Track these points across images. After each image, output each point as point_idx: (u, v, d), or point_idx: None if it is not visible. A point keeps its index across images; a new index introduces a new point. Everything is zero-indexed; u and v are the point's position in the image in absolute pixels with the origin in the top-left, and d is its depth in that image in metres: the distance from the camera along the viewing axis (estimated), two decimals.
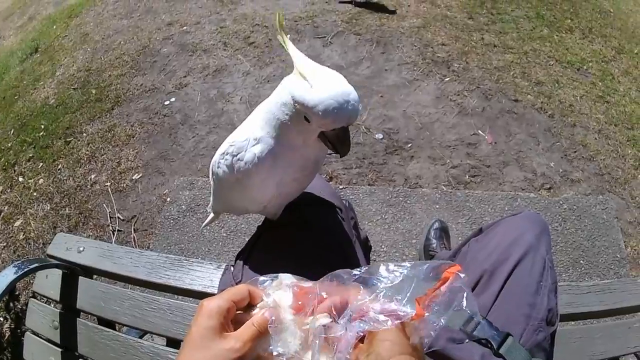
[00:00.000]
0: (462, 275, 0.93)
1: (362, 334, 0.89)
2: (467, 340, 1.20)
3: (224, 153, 1.34)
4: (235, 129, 1.36)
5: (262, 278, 1.04)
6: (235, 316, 0.92)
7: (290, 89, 1.15)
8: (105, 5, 6.86)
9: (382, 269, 0.97)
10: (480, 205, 3.64)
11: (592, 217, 3.64)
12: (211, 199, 1.70)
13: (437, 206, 3.64)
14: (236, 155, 1.29)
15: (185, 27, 5.87)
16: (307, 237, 1.56)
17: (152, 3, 6.55)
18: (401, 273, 0.95)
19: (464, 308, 0.94)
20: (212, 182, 1.54)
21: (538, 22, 5.69)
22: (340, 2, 5.85)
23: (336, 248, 1.61)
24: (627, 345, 1.79)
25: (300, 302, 0.94)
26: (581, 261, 3.38)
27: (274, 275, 1.04)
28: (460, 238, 3.41)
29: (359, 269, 1.00)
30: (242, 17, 5.86)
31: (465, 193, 3.73)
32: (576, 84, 4.82)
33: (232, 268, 1.60)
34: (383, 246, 3.44)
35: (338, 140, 1.17)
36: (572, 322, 1.92)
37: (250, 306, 0.97)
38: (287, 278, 1.02)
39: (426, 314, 0.88)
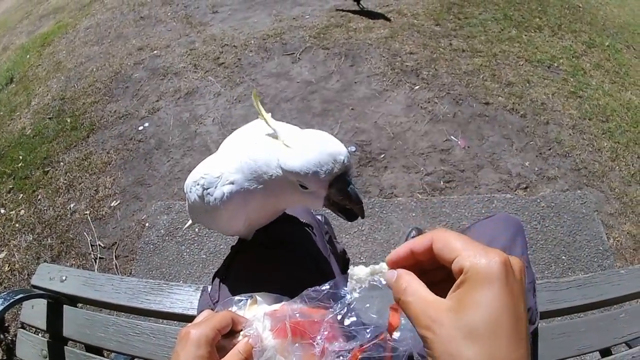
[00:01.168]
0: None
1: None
2: None
3: (195, 182, 1.30)
4: (210, 154, 1.33)
5: (237, 298, 1.07)
6: (217, 342, 0.93)
7: (280, 162, 1.09)
8: (77, 33, 6.88)
9: (349, 279, 0.97)
10: (456, 210, 3.63)
11: (571, 212, 3.63)
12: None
13: (414, 214, 3.62)
14: (206, 189, 1.26)
15: (155, 51, 5.88)
16: (281, 256, 1.56)
17: (122, 28, 6.58)
18: (367, 280, 0.95)
19: None
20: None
21: (506, 24, 5.71)
22: (336, 10, 5.93)
23: (310, 265, 1.60)
24: (615, 336, 1.78)
25: (278, 325, 0.95)
26: (563, 257, 3.37)
27: (249, 295, 1.08)
28: None
29: (327, 283, 1.00)
30: (211, 38, 5.87)
31: (441, 199, 3.71)
32: (547, 82, 4.82)
33: (209, 288, 1.58)
34: (362, 257, 3.41)
35: (343, 195, 1.09)
36: (559, 318, 1.90)
37: (232, 332, 0.97)
38: (261, 297, 1.07)
39: (402, 320, 0.88)
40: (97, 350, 1.98)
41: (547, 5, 6.28)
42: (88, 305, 2.18)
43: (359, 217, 1.15)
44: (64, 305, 2.03)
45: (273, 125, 1.12)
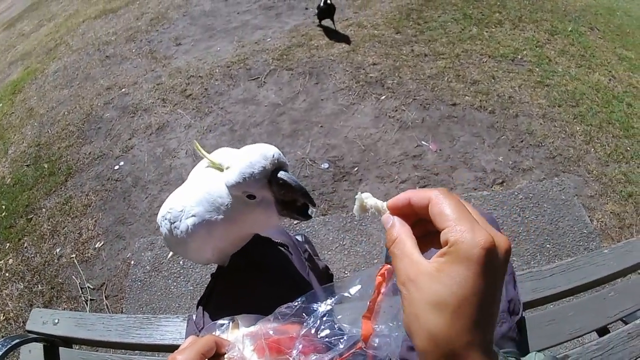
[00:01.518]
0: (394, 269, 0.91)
1: None
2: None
3: (163, 216, 1.38)
4: (179, 188, 1.37)
5: (219, 322, 1.11)
6: None
7: (225, 184, 1.18)
8: (46, 77, 6.87)
9: (319, 292, 0.99)
10: None
11: (551, 200, 3.64)
12: None
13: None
14: (173, 223, 1.33)
15: (123, 89, 5.86)
16: (257, 277, 1.59)
17: (89, 69, 6.56)
18: (338, 293, 0.99)
19: None
20: None
21: (466, 23, 5.73)
22: (318, 26, 5.96)
23: (288, 283, 1.63)
24: (608, 315, 1.80)
25: (258, 342, 0.99)
26: (547, 245, 3.37)
27: (230, 318, 1.12)
28: None
29: (300, 298, 1.05)
30: (177, 71, 5.87)
31: None
32: (512, 75, 4.84)
33: (193, 317, 1.59)
34: (346, 272, 3.40)
35: (285, 188, 1.15)
36: (552, 305, 1.89)
37: (217, 355, 0.98)
38: (241, 319, 1.11)
39: (375, 327, 0.88)
40: None
41: None
42: (83, 346, 2.22)
43: (313, 209, 1.23)
44: (60, 348, 2.05)
45: (218, 162, 1.23)
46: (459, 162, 3.97)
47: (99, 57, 6.79)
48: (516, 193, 3.68)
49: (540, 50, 5.24)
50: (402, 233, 0.70)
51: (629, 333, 1.72)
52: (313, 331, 0.96)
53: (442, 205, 0.66)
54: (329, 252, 3.53)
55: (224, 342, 0.99)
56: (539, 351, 1.10)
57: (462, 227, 0.62)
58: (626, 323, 1.84)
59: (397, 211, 0.75)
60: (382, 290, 0.93)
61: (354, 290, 0.97)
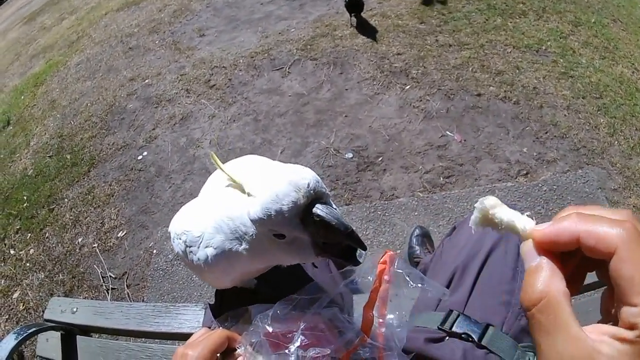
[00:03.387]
0: (397, 256, 0.92)
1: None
2: (447, 338, 1.21)
3: (178, 235, 1.17)
4: (192, 201, 1.23)
5: (232, 312, 1.11)
6: None
7: (247, 213, 0.93)
8: (68, 70, 6.93)
9: (325, 283, 0.99)
10: (458, 204, 3.62)
11: (575, 192, 3.62)
12: None
13: (416, 213, 3.61)
14: (189, 247, 1.13)
15: (147, 80, 5.91)
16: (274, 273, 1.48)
17: (112, 61, 6.61)
18: (342, 283, 1.00)
19: (417, 286, 0.93)
20: None
21: (490, 13, 5.71)
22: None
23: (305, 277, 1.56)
24: None
25: (270, 337, 0.96)
26: None
27: (245, 307, 1.10)
28: None
29: (300, 292, 1.05)
30: (201, 62, 5.89)
31: (442, 195, 3.71)
32: (537, 66, 4.82)
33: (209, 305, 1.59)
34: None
35: (323, 227, 0.88)
36: (582, 295, 1.88)
37: (229, 349, 0.99)
38: (254, 308, 1.08)
39: (386, 317, 0.89)
40: None
41: None
42: (101, 334, 2.22)
43: (362, 252, 0.95)
44: (77, 336, 2.06)
45: (238, 179, 0.98)
46: (484, 153, 3.97)
47: (122, 49, 6.85)
48: (540, 185, 3.68)
49: (564, 41, 5.21)
50: (554, 288, 0.51)
51: None
52: (316, 321, 0.96)
53: (634, 264, 0.46)
54: None
55: (235, 337, 1.00)
56: None
57: None
58: None
59: (549, 246, 0.55)
60: (386, 278, 0.94)
61: (357, 278, 0.97)
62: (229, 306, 1.38)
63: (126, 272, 3.84)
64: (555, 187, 3.65)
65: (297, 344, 0.93)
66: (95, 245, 4.09)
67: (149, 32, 7.10)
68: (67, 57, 7.43)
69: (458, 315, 1.24)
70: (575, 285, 0.56)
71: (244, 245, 1.01)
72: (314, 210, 0.87)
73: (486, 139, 4.08)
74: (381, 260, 0.95)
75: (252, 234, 0.96)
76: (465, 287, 1.37)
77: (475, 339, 1.19)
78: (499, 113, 4.30)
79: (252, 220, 0.92)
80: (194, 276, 3.61)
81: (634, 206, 3.51)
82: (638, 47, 5.29)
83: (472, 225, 0.68)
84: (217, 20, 6.76)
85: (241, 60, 5.65)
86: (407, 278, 0.95)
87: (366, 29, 5.65)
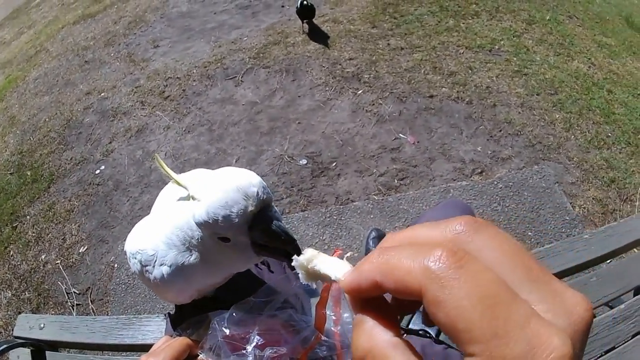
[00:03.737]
0: (344, 253, 0.88)
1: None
2: (404, 335, 1.15)
3: (133, 254, 1.15)
4: (144, 219, 1.19)
5: (194, 319, 1.07)
6: None
7: (192, 217, 0.92)
8: (27, 85, 6.80)
9: (279, 285, 0.98)
10: (414, 205, 3.62)
11: (531, 188, 3.65)
12: None
13: (372, 216, 3.60)
14: (145, 266, 1.11)
15: (103, 94, 5.82)
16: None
17: (69, 75, 6.50)
18: (295, 284, 1.04)
19: None
20: None
21: (442, 15, 5.72)
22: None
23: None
24: (590, 299, 1.71)
25: (211, 343, 0.97)
26: (529, 233, 3.39)
27: (204, 315, 1.06)
28: None
29: (256, 294, 1.04)
30: (155, 73, 5.84)
31: (397, 197, 3.70)
32: (490, 65, 4.84)
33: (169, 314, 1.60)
34: None
35: (269, 237, 0.89)
36: None
37: (190, 357, 0.98)
38: (214, 315, 1.03)
39: (344, 315, 0.86)
40: None
41: None
42: (69, 349, 2.23)
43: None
44: (46, 352, 2.04)
45: (183, 183, 0.97)
46: (438, 154, 3.96)
47: (79, 63, 6.76)
48: (496, 182, 3.68)
49: (517, 39, 5.24)
50: (378, 341, 0.41)
51: (614, 318, 1.71)
52: (272, 322, 0.96)
53: (455, 308, 0.34)
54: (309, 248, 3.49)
55: (196, 344, 0.98)
56: None
57: (510, 352, 0.33)
58: (611, 307, 1.83)
59: (358, 295, 0.44)
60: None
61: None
62: (188, 314, 1.33)
63: (89, 287, 3.79)
64: (511, 183, 3.67)
65: (254, 344, 0.94)
66: (58, 261, 4.03)
67: (105, 44, 7.02)
68: (25, 72, 7.32)
69: (413, 315, 1.21)
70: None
71: (194, 255, 1.02)
72: (273, 228, 0.88)
73: (440, 139, 4.08)
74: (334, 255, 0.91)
75: (198, 238, 0.96)
76: None
77: (433, 335, 1.18)
78: (452, 113, 4.30)
79: (196, 224, 0.91)
80: None
81: (593, 198, 3.55)
82: (594, 42, 5.35)
83: (303, 282, 0.63)
84: (170, 31, 6.72)
85: (195, 71, 5.61)
86: None
87: (318, 35, 5.64)
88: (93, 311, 3.60)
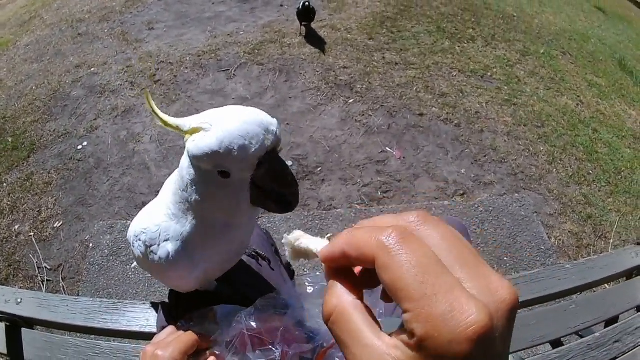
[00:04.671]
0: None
1: None
2: None
3: (137, 237, 1.12)
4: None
5: (198, 312, 1.06)
6: None
7: (188, 150, 0.86)
8: (17, 50, 6.71)
9: (303, 282, 0.98)
10: None
11: (510, 215, 3.69)
12: None
13: (353, 225, 3.55)
14: (149, 247, 1.08)
15: (93, 69, 5.77)
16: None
17: (61, 45, 6.43)
18: (316, 283, 0.97)
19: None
20: None
21: (439, 36, 5.77)
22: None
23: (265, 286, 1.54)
24: (567, 326, 1.83)
25: (238, 337, 0.95)
26: (505, 258, 3.42)
27: (210, 308, 1.06)
28: None
29: (278, 292, 1.03)
30: (147, 56, 5.80)
31: (379, 209, 3.71)
32: (481, 91, 4.89)
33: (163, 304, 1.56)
34: (305, 269, 3.35)
35: (276, 176, 0.87)
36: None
37: (198, 351, 0.97)
38: (219, 309, 1.06)
39: None
40: None
41: (481, 17, 6.36)
42: (46, 328, 2.13)
43: (292, 207, 0.92)
44: (22, 329, 1.96)
45: (172, 121, 0.90)
46: (422, 171, 3.99)
47: (71, 34, 6.68)
48: (476, 205, 3.72)
49: (510, 69, 5.29)
50: (343, 301, 0.50)
51: (589, 344, 1.76)
52: (296, 322, 0.95)
53: (398, 271, 0.44)
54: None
55: (204, 338, 0.97)
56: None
57: (435, 310, 0.41)
58: (581, 337, 1.88)
59: (331, 264, 0.55)
60: None
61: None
62: (185, 306, 1.35)
63: (61, 264, 3.72)
64: (491, 208, 3.70)
65: (283, 339, 0.93)
66: (32, 234, 3.96)
67: (100, 19, 6.94)
68: (17, 36, 7.20)
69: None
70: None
71: (189, 219, 1.00)
72: (276, 161, 0.86)
73: (425, 157, 4.10)
74: None
75: (190, 182, 0.92)
76: None
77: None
78: (440, 134, 4.33)
79: (195, 155, 0.84)
80: (130, 273, 3.54)
81: (569, 231, 3.60)
82: (585, 80, 5.42)
83: (290, 260, 0.72)
84: (167, 15, 6.68)
85: (188, 58, 5.58)
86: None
87: (315, 39, 5.66)
88: (63, 289, 3.54)
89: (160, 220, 1.06)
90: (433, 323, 0.40)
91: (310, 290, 0.96)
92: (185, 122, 0.87)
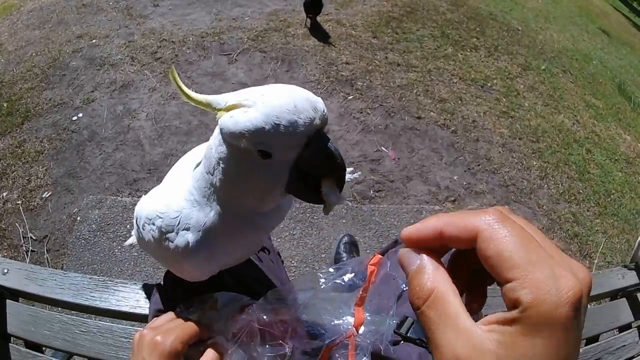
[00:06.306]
0: (386, 261, 0.90)
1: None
2: (402, 342, 1.20)
3: (151, 220, 1.03)
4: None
5: (199, 298, 1.05)
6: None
7: (222, 127, 0.81)
8: (20, 15, 6.63)
9: (316, 278, 0.94)
10: (386, 218, 3.64)
11: None
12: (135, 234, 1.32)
13: (344, 221, 3.62)
14: (165, 233, 0.99)
15: (94, 40, 5.72)
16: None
17: (64, 14, 6.37)
18: (329, 280, 0.93)
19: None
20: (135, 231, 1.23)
21: (443, 41, 5.78)
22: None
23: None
24: None
25: (246, 328, 0.92)
26: None
27: (209, 295, 1.04)
28: (368, 251, 3.41)
29: (289, 285, 1.02)
30: (150, 32, 5.77)
31: (370, 207, 3.72)
32: (480, 101, 4.91)
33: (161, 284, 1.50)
34: (293, 261, 3.39)
35: (326, 157, 0.80)
36: None
37: (198, 340, 0.95)
38: (220, 296, 1.04)
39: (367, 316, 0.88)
40: (38, 347, 1.90)
41: (485, 27, 6.38)
42: (31, 301, 2.01)
43: (335, 204, 0.84)
44: (7, 300, 1.91)
45: (202, 98, 0.84)
46: (415, 174, 4.00)
47: (76, 4, 6.61)
48: None
49: (510, 82, 5.32)
50: (440, 284, 0.50)
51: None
52: (304, 317, 0.93)
53: (502, 242, 0.46)
54: (279, 240, 3.52)
55: (206, 328, 0.96)
56: None
57: (540, 275, 0.43)
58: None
59: (417, 243, 0.54)
60: (373, 279, 0.91)
61: (347, 277, 0.94)
62: (182, 291, 1.28)
63: (47, 235, 3.67)
64: None
65: (293, 334, 0.91)
66: (19, 202, 3.91)
67: None
68: (22, 1, 7.07)
69: (413, 323, 1.24)
70: (478, 301, 0.60)
71: (213, 208, 0.94)
72: (324, 141, 0.79)
73: (419, 160, 4.11)
74: (371, 262, 0.92)
75: (223, 157, 0.85)
76: None
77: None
78: (436, 138, 4.35)
79: (234, 134, 0.78)
80: (116, 250, 3.50)
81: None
82: (583, 101, 5.45)
83: None
84: None
85: (191, 38, 5.56)
86: (399, 280, 0.93)
87: (319, 32, 5.67)
88: (48, 261, 3.51)
89: (180, 205, 0.98)
90: (540, 287, 0.43)
91: (323, 285, 0.95)
92: (219, 99, 0.82)
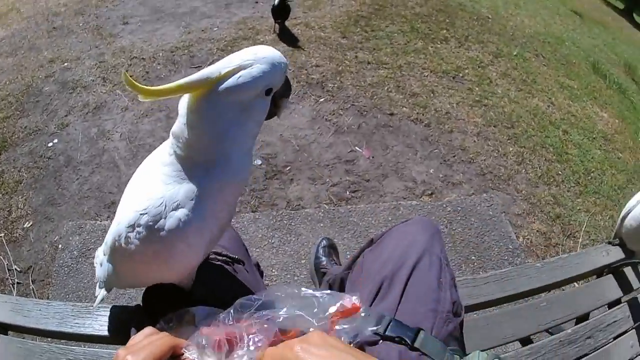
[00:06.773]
0: (363, 315, 1.00)
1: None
2: (381, 341, 1.26)
3: (133, 226, 1.03)
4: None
5: (176, 313, 1.06)
6: None
7: (234, 87, 0.96)
8: None
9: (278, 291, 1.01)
10: (364, 218, 3.65)
11: (478, 215, 3.72)
12: (102, 275, 1.41)
13: (322, 224, 3.61)
14: (154, 225, 1.01)
15: (66, 64, 5.69)
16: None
17: (36, 39, 6.35)
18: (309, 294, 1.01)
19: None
20: (111, 260, 1.24)
21: (412, 36, 5.79)
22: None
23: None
24: (538, 323, 1.87)
25: (216, 340, 0.92)
26: (472, 257, 3.44)
27: (185, 310, 1.06)
28: (348, 252, 3.41)
29: (259, 294, 1.03)
30: (120, 51, 5.75)
31: (347, 209, 3.72)
32: (452, 92, 4.92)
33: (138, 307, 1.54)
34: (274, 270, 3.38)
35: (288, 83, 1.14)
36: (481, 311, 1.94)
37: (173, 356, 0.93)
38: (196, 310, 1.07)
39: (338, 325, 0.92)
40: None
41: (455, 18, 6.41)
42: (20, 333, 1.99)
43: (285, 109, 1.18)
44: None
45: (191, 79, 0.98)
46: (391, 171, 4.00)
47: (47, 28, 6.60)
48: (445, 205, 3.74)
49: (482, 70, 5.34)
50: None
51: (561, 341, 1.81)
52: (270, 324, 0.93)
53: None
54: (258, 249, 3.51)
55: (180, 343, 0.94)
56: (482, 351, 1.13)
57: None
58: (551, 334, 1.93)
59: None
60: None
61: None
62: (159, 307, 1.29)
63: (31, 266, 3.64)
64: (459, 208, 3.73)
65: (254, 338, 0.90)
66: (2, 234, 3.87)
67: (75, 13, 6.87)
68: None
69: (390, 321, 1.28)
70: None
71: (195, 174, 1.03)
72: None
73: (394, 157, 4.12)
74: (352, 305, 0.97)
75: (221, 113, 1.00)
76: (395, 295, 1.42)
77: (409, 342, 1.25)
78: (410, 134, 4.35)
79: (248, 85, 0.97)
80: None
81: (537, 231, 3.64)
82: (557, 82, 5.49)
83: None
84: (142, 9, 6.64)
85: (161, 54, 5.55)
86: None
87: (288, 37, 5.66)
88: (34, 292, 3.47)
89: (161, 191, 1.03)
90: None
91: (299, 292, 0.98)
92: (212, 70, 0.98)
